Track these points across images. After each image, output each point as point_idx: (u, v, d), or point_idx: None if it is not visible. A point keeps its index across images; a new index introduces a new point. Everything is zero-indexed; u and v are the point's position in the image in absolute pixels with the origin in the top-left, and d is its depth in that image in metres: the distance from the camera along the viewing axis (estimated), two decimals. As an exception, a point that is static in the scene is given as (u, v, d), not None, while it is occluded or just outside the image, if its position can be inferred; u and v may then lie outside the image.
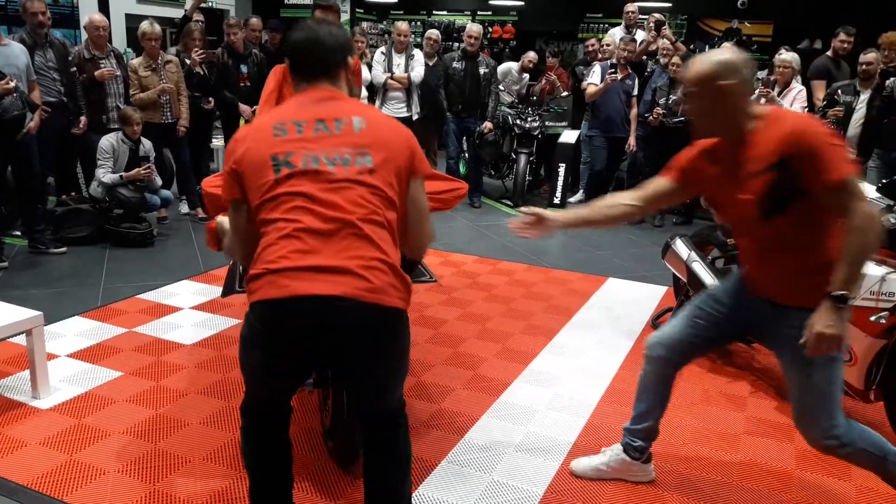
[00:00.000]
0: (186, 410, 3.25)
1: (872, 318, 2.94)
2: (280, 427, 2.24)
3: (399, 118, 7.57)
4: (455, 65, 7.85)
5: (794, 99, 6.24)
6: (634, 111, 7.37)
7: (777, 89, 6.31)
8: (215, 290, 4.81)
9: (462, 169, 8.51)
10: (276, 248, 1.91)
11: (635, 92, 7.35)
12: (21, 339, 3.40)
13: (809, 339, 2.16)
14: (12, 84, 4.88)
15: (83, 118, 6.03)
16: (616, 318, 4.58)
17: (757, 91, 6.31)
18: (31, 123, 5.19)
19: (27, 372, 3.38)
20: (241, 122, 6.99)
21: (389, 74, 7.49)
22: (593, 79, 7.41)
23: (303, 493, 2.67)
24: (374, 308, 1.91)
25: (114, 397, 3.34)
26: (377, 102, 7.65)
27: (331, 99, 2.11)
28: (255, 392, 2.17)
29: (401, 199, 2.07)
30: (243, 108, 6.95)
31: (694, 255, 3.99)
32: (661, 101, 6.93)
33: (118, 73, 6.19)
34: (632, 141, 7.44)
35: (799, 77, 6.51)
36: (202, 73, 6.77)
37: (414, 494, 2.69)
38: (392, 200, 2.03)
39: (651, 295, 5.07)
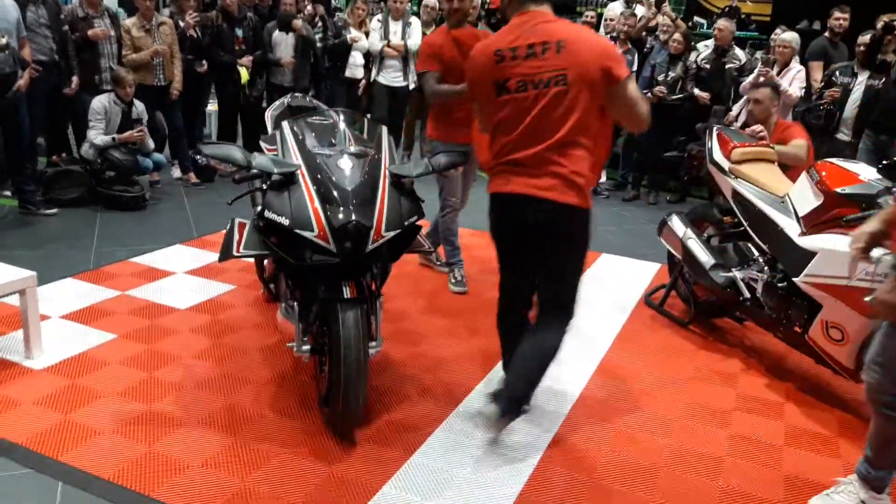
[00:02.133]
0: (181, 374, 3.25)
1: (867, 299, 2.96)
2: (516, 317, 2.92)
3: (395, 87, 7.56)
4: (453, 34, 7.77)
5: (794, 79, 6.22)
6: None
7: (776, 69, 6.29)
8: (209, 256, 4.78)
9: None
10: (496, 153, 2.65)
11: (634, 67, 7.29)
12: (13, 300, 3.38)
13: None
14: (4, 40, 4.78)
15: (75, 78, 5.93)
16: (609, 294, 4.60)
17: (756, 71, 6.30)
18: (21, 81, 5.10)
19: (20, 332, 3.36)
20: (244, 75, 6.89)
21: (386, 42, 7.40)
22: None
23: (299, 459, 2.68)
24: (560, 206, 2.53)
25: (107, 359, 3.33)
26: (373, 70, 7.57)
27: (542, 22, 2.55)
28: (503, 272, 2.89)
29: (595, 108, 2.54)
30: (242, 61, 6.88)
31: (690, 232, 4.00)
32: (661, 77, 6.89)
33: (112, 33, 6.07)
34: None
35: (797, 57, 6.49)
36: (195, 35, 6.65)
37: (408, 462, 2.71)
38: (583, 115, 2.51)
39: (644, 272, 5.09)
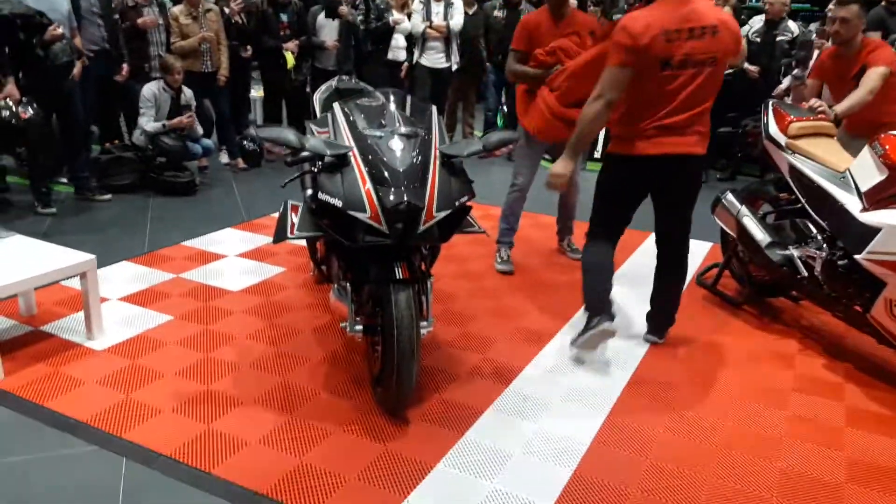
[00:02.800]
0: (236, 354, 3.31)
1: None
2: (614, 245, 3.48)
3: (438, 69, 7.53)
4: (496, 13, 7.69)
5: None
6: None
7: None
8: (259, 239, 4.85)
9: (500, 122, 8.39)
10: (646, 117, 3.10)
11: None
12: (73, 283, 3.47)
13: None
14: (60, 30, 4.89)
15: (125, 65, 6.04)
16: (659, 274, 4.53)
17: (813, 44, 6.11)
18: (76, 70, 5.22)
19: (81, 314, 3.46)
20: (290, 60, 6.94)
21: (428, 23, 7.36)
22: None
23: (353, 436, 2.72)
24: (700, 157, 3.23)
25: (165, 340, 3.41)
26: (416, 53, 7.54)
27: (694, 6, 2.98)
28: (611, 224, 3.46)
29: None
30: (288, 45, 6.92)
31: (745, 210, 3.90)
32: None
33: (160, 21, 6.17)
34: None
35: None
36: (240, 21, 6.71)
37: (460, 440, 2.72)
38: (720, 81, 3.15)
39: (695, 250, 4.97)
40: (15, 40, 4.82)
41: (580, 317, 3.86)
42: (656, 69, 2.99)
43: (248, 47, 6.79)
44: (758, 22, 6.96)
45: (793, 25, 6.85)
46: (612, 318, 3.30)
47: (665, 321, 3.59)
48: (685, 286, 3.59)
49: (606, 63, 3.06)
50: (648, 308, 3.65)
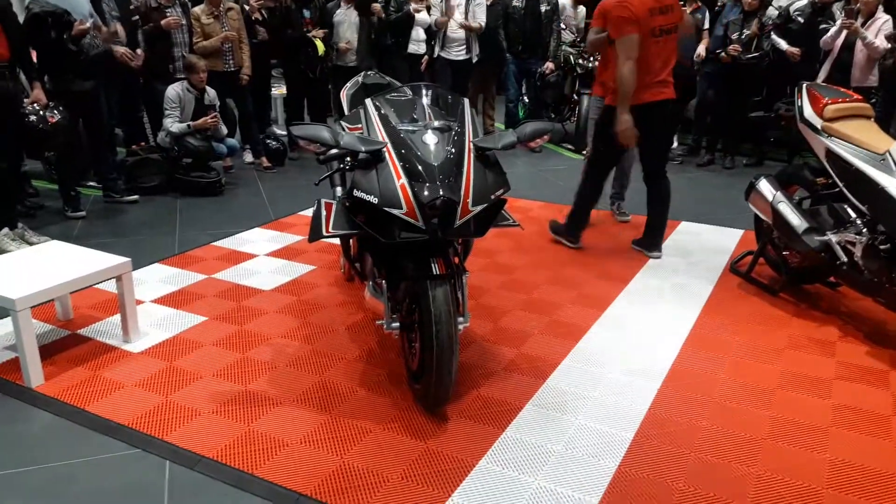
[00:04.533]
0: (272, 353, 3.31)
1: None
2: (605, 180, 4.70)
3: (458, 61, 7.49)
4: (515, 3, 7.63)
5: (879, 30, 5.88)
6: (704, 44, 6.98)
7: (861, 20, 5.95)
8: (288, 238, 4.86)
9: (521, 113, 8.34)
10: (648, 73, 4.17)
11: (706, 25, 7.01)
12: (108, 286, 3.49)
13: None
14: (88, 24, 4.95)
15: (139, 51, 5.94)
16: (692, 263, 4.48)
17: (839, 22, 5.98)
18: (121, 50, 5.49)
19: (117, 317, 3.48)
20: (320, 47, 6.94)
21: (458, 22, 7.29)
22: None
23: (393, 434, 2.70)
24: (673, 101, 4.35)
25: (201, 341, 3.42)
26: (437, 47, 7.49)
27: None
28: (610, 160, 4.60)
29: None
30: (316, 33, 6.92)
31: (780, 195, 3.83)
32: (734, 36, 6.60)
33: (184, 21, 6.18)
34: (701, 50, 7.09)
35: (882, 6, 6.11)
36: (261, 18, 6.71)
37: (501, 437, 2.70)
38: (676, 44, 4.32)
39: (727, 238, 4.93)
40: (46, 38, 4.88)
41: (615, 307, 3.83)
42: (649, 36, 4.07)
43: (263, 29, 6.69)
44: (801, 1, 6.72)
45: (839, 13, 6.58)
46: (580, 242, 4.74)
47: (659, 238, 4.61)
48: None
49: (614, 36, 4.11)
50: (643, 234, 4.66)
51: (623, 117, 4.11)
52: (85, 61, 4.99)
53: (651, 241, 4.60)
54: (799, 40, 6.50)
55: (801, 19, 6.54)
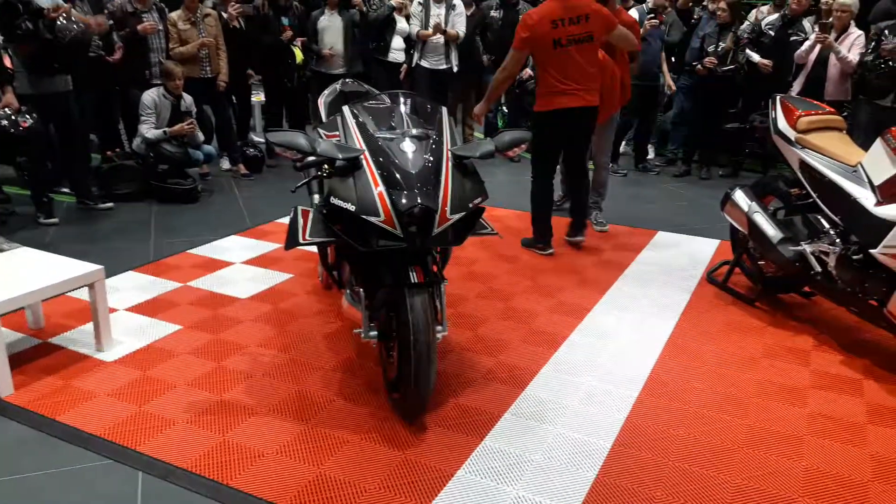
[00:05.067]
0: (249, 363, 3.27)
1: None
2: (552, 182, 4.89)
3: (437, 70, 7.49)
4: (493, 13, 7.66)
5: (853, 45, 5.98)
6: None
7: (834, 34, 6.05)
8: (265, 246, 4.82)
9: (500, 122, 8.36)
10: (553, 83, 4.43)
11: (667, 38, 7.12)
12: (81, 294, 3.43)
13: None
14: (66, 6, 4.86)
15: (118, 48, 5.88)
16: (669, 273, 4.51)
17: (813, 36, 6.08)
18: (95, 22, 5.38)
19: (89, 325, 3.42)
20: (298, 55, 6.93)
21: (422, 29, 7.30)
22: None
23: (371, 444, 2.68)
24: (595, 107, 4.56)
25: (176, 350, 3.37)
26: (415, 55, 7.48)
27: (574, 1, 4.33)
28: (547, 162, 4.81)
29: (602, 45, 4.56)
30: (296, 40, 6.93)
31: (756, 206, 3.87)
32: (710, 48, 6.69)
33: (160, 27, 6.12)
34: (670, 82, 7.24)
35: (854, 22, 6.22)
36: (238, 26, 6.67)
37: (480, 446, 2.69)
38: (597, 52, 4.50)
39: (703, 248, 4.97)
40: (20, 27, 4.78)
41: (593, 316, 3.84)
42: (551, 47, 4.33)
43: (240, 19, 6.64)
44: (772, 15, 6.84)
45: (807, 25, 6.71)
46: (551, 247, 4.82)
47: (583, 223, 4.97)
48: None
49: (512, 46, 4.44)
50: (570, 220, 5.00)
51: (481, 107, 4.87)
52: (59, 47, 4.87)
53: (577, 225, 4.96)
54: (771, 53, 6.62)
55: (772, 33, 6.66)
